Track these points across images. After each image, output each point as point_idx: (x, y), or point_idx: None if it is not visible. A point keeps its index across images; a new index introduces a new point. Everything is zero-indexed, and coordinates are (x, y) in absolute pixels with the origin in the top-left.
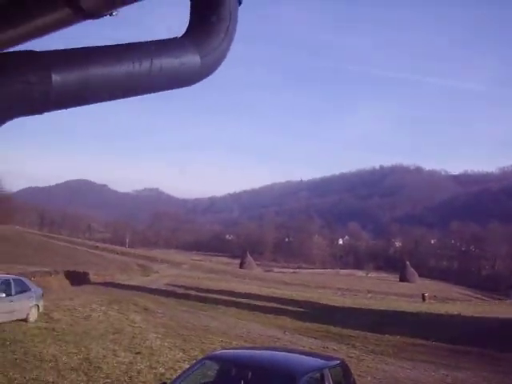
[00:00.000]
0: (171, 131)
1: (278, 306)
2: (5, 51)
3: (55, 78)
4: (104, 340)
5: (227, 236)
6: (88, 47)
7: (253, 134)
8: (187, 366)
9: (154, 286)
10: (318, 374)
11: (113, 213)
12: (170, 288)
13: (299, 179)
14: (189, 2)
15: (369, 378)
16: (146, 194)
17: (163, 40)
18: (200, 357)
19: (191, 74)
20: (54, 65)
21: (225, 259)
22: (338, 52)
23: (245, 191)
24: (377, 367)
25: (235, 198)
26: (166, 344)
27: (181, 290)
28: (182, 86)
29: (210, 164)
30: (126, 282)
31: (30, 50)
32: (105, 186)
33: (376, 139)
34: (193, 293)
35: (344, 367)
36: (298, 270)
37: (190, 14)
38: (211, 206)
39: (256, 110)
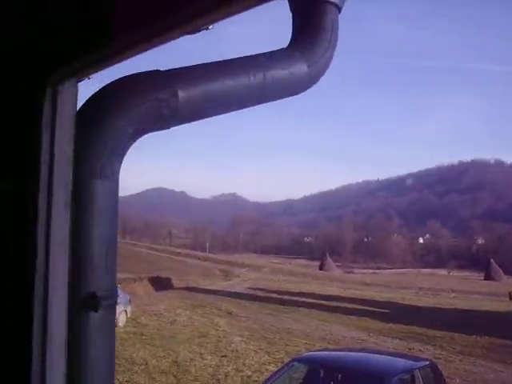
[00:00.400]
0: (247, 134)
1: (360, 307)
2: (136, 72)
3: (181, 94)
4: (190, 344)
5: (305, 238)
6: (206, 63)
7: (328, 135)
8: (273, 369)
9: (235, 290)
10: (407, 376)
11: (192, 219)
12: (252, 292)
13: (376, 178)
14: (290, 14)
15: (458, 381)
16: (224, 200)
17: (272, 52)
18: (285, 359)
19: (299, 84)
20: (179, 82)
21: (304, 261)
22: (413, 47)
23: (321, 192)
24: (465, 369)
25: (312, 200)
26: (251, 347)
27: (262, 294)
28: (291, 95)
29: (285, 167)
30: (208, 287)
31: (157, 70)
32: (183, 192)
33: (453, 134)
34: (274, 296)
35: (434, 368)
36: (378, 270)
37: (293, 25)
38: (288, 208)
39: (331, 112)
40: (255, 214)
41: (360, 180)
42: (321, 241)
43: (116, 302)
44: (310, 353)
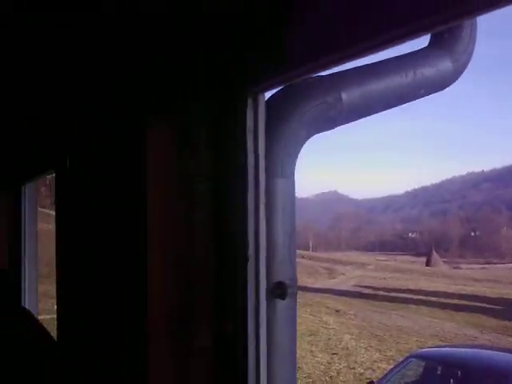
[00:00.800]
0: (345, 132)
1: (470, 303)
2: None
3: (344, 96)
4: (300, 341)
5: (410, 234)
6: (362, 66)
7: (428, 126)
8: (385, 366)
9: (341, 288)
10: None
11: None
12: (358, 289)
13: (481, 170)
14: None
15: None
16: (325, 198)
17: (416, 51)
18: (397, 357)
19: (446, 79)
20: (342, 85)
21: (409, 258)
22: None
23: (424, 187)
24: None
25: (414, 195)
26: (361, 345)
27: (368, 291)
28: (438, 91)
29: (385, 163)
30: (314, 285)
31: (321, 76)
32: None
33: None
34: (381, 293)
35: None
36: (487, 265)
37: None
38: (390, 204)
39: (429, 101)
40: (357, 210)
41: (464, 172)
42: (426, 236)
43: (297, 291)
44: (428, 349)
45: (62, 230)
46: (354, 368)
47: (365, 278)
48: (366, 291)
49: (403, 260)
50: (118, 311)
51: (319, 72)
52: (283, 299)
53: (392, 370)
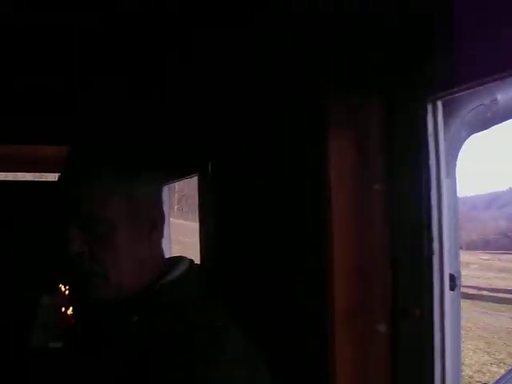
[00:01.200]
0: None
1: None
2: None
3: (500, 97)
4: None
5: None
6: None
7: None
8: (495, 370)
9: None
10: None
11: None
12: (462, 289)
13: None
14: None
15: None
16: None
17: None
18: (507, 361)
19: None
20: (498, 87)
21: None
22: None
23: None
24: None
25: None
26: (468, 346)
27: (472, 291)
28: None
29: (487, 157)
30: None
31: None
32: None
33: None
34: (486, 293)
35: None
36: None
37: None
38: (494, 200)
39: None
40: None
41: None
42: None
43: (461, 283)
44: None
45: (210, 233)
46: (462, 370)
47: (468, 278)
48: (471, 291)
49: (508, 259)
50: (295, 302)
51: (488, 84)
52: (453, 290)
53: (507, 373)
